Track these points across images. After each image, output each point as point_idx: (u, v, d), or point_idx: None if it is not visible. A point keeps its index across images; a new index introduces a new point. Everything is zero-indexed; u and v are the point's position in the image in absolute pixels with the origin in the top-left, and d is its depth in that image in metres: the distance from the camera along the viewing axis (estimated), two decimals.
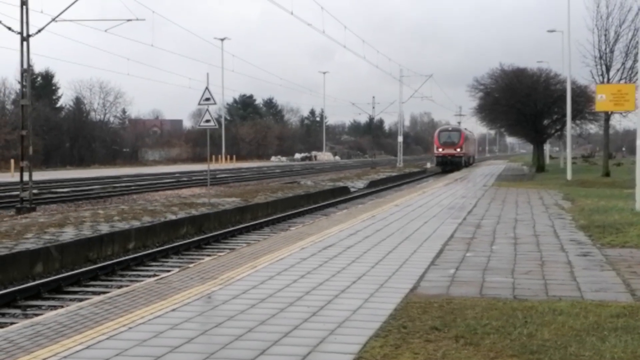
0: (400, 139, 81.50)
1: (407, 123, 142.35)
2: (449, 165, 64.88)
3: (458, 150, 66.03)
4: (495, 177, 44.24)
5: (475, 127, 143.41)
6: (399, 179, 50.95)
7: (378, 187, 41.66)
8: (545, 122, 56.00)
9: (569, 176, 39.36)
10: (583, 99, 48.39)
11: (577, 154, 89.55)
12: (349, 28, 42.73)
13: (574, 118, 46.94)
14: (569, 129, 43.52)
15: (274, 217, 23.72)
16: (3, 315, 10.53)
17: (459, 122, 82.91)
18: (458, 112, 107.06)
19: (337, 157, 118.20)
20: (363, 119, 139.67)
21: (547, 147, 79.32)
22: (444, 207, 21.00)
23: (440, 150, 66.42)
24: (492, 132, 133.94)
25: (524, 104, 50.16)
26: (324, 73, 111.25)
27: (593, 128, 59.28)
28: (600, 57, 39.68)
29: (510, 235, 14.34)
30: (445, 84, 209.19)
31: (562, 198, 25.10)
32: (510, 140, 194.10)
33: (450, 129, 70.80)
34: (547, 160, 74.69)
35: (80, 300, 10.40)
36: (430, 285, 9.11)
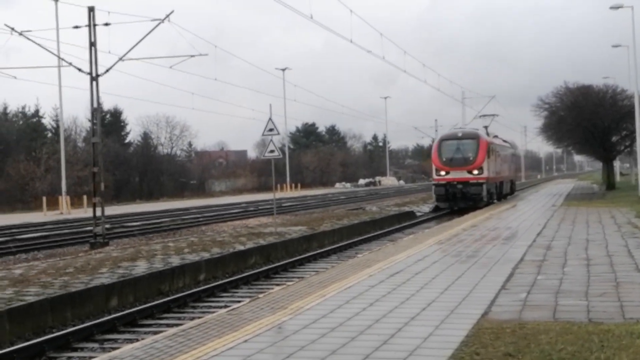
0: None
1: None
2: (459, 200, 37.72)
3: (475, 172, 37.53)
4: (563, 197, 43.41)
5: (541, 147, 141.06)
6: None
7: (444, 211, 41.28)
8: (614, 138, 54.77)
9: None
10: None
11: None
12: (408, 52, 42.59)
13: None
14: (639, 145, 42.43)
15: (341, 244, 23.74)
16: (82, 349, 10.81)
17: (486, 127, 47.17)
18: (484, 114, 57.30)
19: (402, 182, 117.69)
20: (426, 142, 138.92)
21: (617, 164, 77.38)
22: (512, 229, 20.71)
23: (442, 173, 38.10)
24: (559, 150, 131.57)
25: (591, 121, 49.21)
26: (385, 98, 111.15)
27: None
28: None
29: (582, 256, 14.06)
30: (509, 104, 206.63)
31: (635, 216, 24.47)
32: (578, 158, 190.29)
33: (460, 135, 39.43)
34: (618, 178, 72.91)
35: (155, 333, 10.61)
36: (501, 310, 9.01)
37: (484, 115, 50.61)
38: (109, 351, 8.93)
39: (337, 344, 7.46)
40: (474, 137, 38.64)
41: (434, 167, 38.64)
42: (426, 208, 42.26)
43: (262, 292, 12.60)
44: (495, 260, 13.73)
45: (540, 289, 10.40)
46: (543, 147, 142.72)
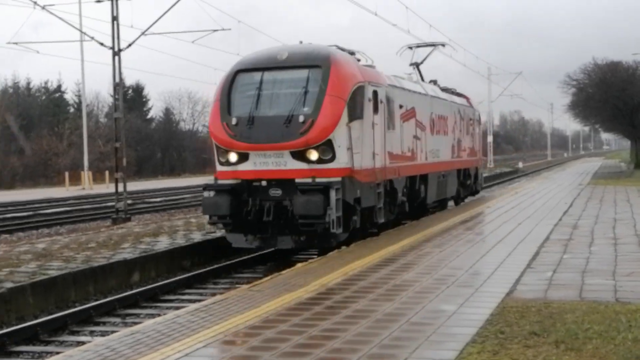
0: (490, 138, 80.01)
1: (496, 122, 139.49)
2: (272, 229, 14.03)
3: (314, 157, 13.77)
4: (590, 175, 42.96)
5: (568, 124, 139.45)
6: (489, 180, 50.03)
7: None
8: None
9: None
10: None
11: None
12: (434, 26, 41.95)
13: None
14: None
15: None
16: (104, 323, 10.83)
17: (417, 65, 24.29)
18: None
19: None
20: None
21: None
22: (538, 208, 20.47)
23: (230, 159, 14.28)
24: (587, 128, 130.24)
25: (619, 98, 48.52)
26: (410, 74, 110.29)
27: None
28: None
29: (610, 235, 13.85)
30: (537, 80, 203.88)
31: None
32: (605, 136, 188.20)
33: (285, 57, 14.52)
34: None
35: (177, 308, 10.59)
36: (526, 289, 8.87)
37: (418, 46, 24.83)
38: (131, 325, 8.91)
39: (363, 327, 7.37)
40: (318, 61, 14.56)
41: (214, 144, 15.03)
42: None
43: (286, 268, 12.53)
44: (520, 239, 13.55)
45: (566, 268, 10.24)
46: (570, 125, 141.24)
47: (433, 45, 25.27)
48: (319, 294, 8.77)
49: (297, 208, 13.42)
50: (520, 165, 73.98)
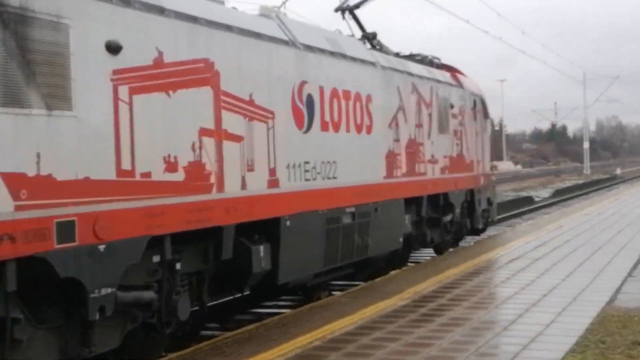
0: (586, 145, 77.88)
1: (592, 128, 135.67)
2: None
3: None
4: None
5: None
6: (586, 187, 48.64)
7: (564, 196, 39.98)
8: None
9: None
10: None
11: None
12: (526, 33, 40.84)
13: None
14: None
15: None
16: None
17: (368, 38, 13.40)
18: None
19: (519, 166, 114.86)
20: (545, 126, 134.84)
21: None
22: (639, 215, 19.80)
23: None
24: None
25: None
26: (502, 81, 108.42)
27: None
28: None
29: None
30: (635, 84, 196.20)
31: None
32: None
33: None
34: None
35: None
36: (628, 297, 8.64)
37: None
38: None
39: (458, 334, 7.36)
40: None
41: None
42: (545, 193, 41.21)
43: None
44: (620, 247, 13.18)
45: None
46: None
47: None
48: (414, 302, 8.77)
49: None
50: (618, 171, 71.52)
